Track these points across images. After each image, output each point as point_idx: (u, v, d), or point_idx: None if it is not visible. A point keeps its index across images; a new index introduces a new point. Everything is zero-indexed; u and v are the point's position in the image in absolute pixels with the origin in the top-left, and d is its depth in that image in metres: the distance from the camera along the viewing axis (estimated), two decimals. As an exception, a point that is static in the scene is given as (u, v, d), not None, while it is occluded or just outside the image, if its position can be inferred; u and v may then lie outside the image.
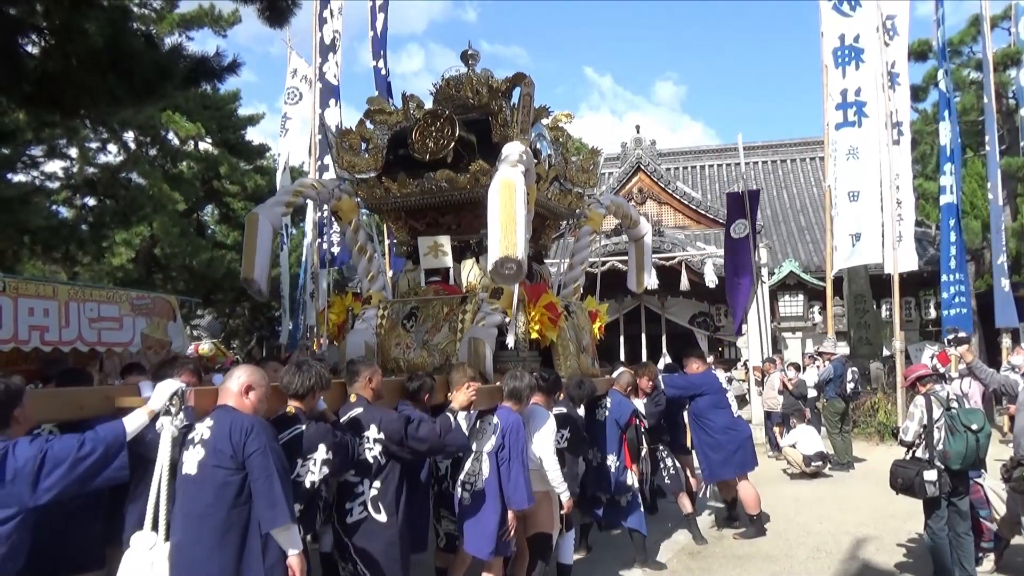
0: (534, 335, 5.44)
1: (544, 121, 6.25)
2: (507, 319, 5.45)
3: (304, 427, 3.49)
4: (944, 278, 12.52)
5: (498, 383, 4.80)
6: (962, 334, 5.94)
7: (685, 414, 7.49)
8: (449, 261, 5.84)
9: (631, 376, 6.41)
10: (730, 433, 6.98)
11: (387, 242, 10.25)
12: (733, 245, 11.40)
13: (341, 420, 3.92)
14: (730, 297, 11.48)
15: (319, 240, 13.23)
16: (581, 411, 5.70)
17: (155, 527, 3.06)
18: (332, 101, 12.91)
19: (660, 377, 6.93)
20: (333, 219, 12.54)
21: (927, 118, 19.44)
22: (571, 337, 5.99)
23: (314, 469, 3.45)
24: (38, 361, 6.47)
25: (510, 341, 5.37)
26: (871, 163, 12.97)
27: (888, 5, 13.21)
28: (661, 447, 6.93)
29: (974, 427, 4.99)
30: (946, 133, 12.51)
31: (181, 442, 3.14)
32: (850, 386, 11.02)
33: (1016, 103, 16.72)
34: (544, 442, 4.77)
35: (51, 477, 2.73)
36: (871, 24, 12.96)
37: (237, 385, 3.23)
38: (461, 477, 4.50)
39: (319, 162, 13.03)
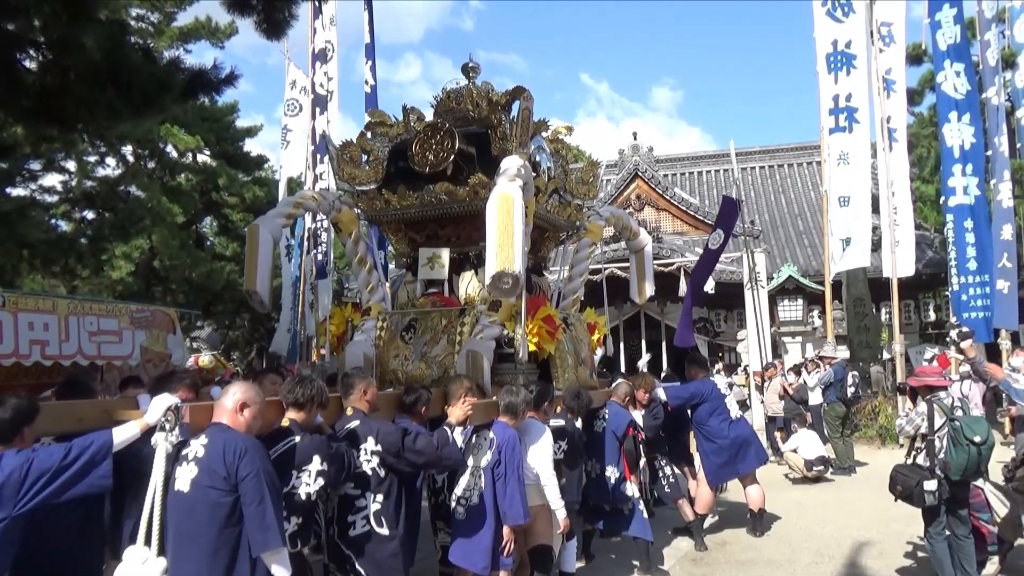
0: (532, 348, 5.44)
1: (544, 133, 6.27)
2: (506, 331, 5.46)
3: (297, 439, 3.49)
4: (961, 280, 12.41)
5: (494, 398, 4.80)
6: (965, 329, 5.93)
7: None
8: (446, 273, 5.86)
9: (629, 387, 6.43)
10: (731, 437, 7.06)
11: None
12: (705, 256, 11.35)
13: (338, 433, 3.92)
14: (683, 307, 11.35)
15: (315, 251, 13.27)
16: (579, 423, 5.69)
17: (148, 542, 3.06)
18: (318, 111, 12.97)
19: (659, 388, 6.94)
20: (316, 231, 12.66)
21: (923, 121, 19.50)
22: (569, 350, 6.00)
23: (309, 481, 3.45)
24: (64, 375, 6.46)
25: (523, 355, 5.36)
26: (862, 168, 13.00)
27: (884, 12, 13.25)
28: (659, 456, 6.94)
29: (977, 439, 4.95)
30: (953, 135, 12.45)
31: (175, 457, 3.15)
32: (850, 390, 11.03)
33: (1012, 105, 16.75)
34: (541, 457, 4.77)
35: (36, 486, 2.79)
36: (863, 30, 13.01)
37: (232, 402, 3.23)
38: (457, 492, 4.50)
39: (313, 172, 13.07)
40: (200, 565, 3.00)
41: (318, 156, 12.83)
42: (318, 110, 12.92)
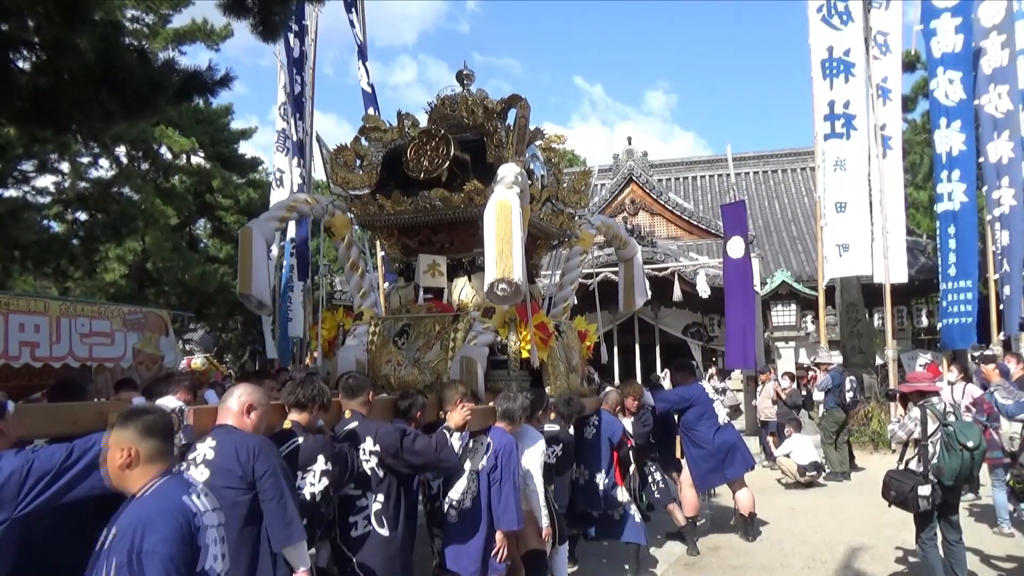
0: (525, 355, 5.44)
1: (537, 142, 6.29)
2: (499, 338, 5.46)
3: (301, 440, 3.49)
4: (944, 286, 12.48)
5: (491, 403, 4.80)
6: (988, 352, 6.05)
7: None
8: (445, 281, 5.86)
9: (619, 395, 6.46)
10: (718, 442, 7.07)
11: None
12: (733, 266, 11.22)
13: (337, 435, 3.94)
14: (730, 324, 11.15)
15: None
16: (570, 430, 5.70)
17: None
18: (296, 114, 12.94)
19: (648, 394, 6.97)
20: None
21: (916, 128, 19.60)
22: (561, 357, 6.00)
23: (314, 481, 3.47)
24: (55, 377, 6.42)
25: (534, 361, 5.37)
26: (859, 175, 13.06)
27: (880, 21, 13.34)
28: (648, 463, 6.96)
29: (970, 445, 4.99)
30: (944, 140, 12.53)
31: (180, 461, 3.13)
32: (848, 395, 11.02)
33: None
34: (532, 463, 4.78)
35: (36, 487, 2.74)
36: (861, 38, 13.08)
37: (238, 404, 3.22)
38: (452, 496, 4.50)
39: (299, 172, 13.04)
40: None
41: (302, 159, 12.80)
42: (304, 112, 12.89)
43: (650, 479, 6.94)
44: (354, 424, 3.97)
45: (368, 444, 3.90)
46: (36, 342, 6.53)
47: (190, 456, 3.13)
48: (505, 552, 4.49)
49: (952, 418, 5.24)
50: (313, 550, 3.87)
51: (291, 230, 13.10)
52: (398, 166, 5.91)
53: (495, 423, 4.65)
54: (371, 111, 12.10)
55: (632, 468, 6.65)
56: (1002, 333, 13.30)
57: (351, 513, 3.90)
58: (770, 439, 12.00)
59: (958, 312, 12.14)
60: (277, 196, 14.26)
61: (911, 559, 6.30)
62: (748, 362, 11.16)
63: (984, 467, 6.47)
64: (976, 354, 5.90)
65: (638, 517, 6.15)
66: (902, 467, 5.41)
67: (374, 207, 5.97)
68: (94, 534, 3.69)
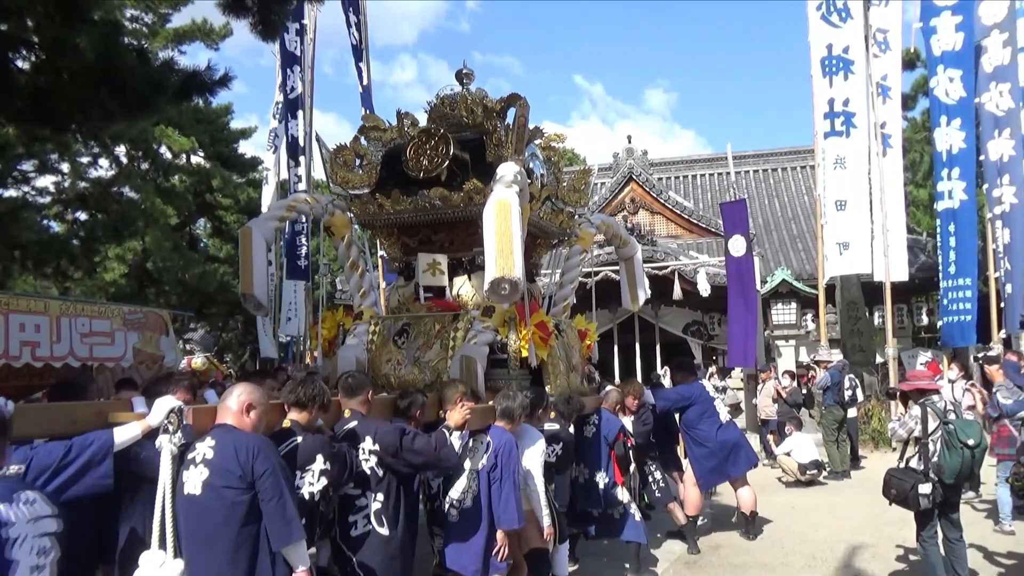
0: (524, 354, 5.44)
1: (537, 141, 6.28)
2: (499, 337, 5.46)
3: (300, 439, 3.49)
4: (944, 284, 12.49)
5: (491, 402, 4.80)
6: (991, 353, 6.06)
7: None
8: (446, 280, 5.85)
9: (619, 394, 6.46)
10: (721, 440, 7.07)
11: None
12: (734, 264, 11.11)
13: (337, 434, 3.94)
14: (731, 323, 11.03)
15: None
16: (570, 428, 5.70)
17: (163, 545, 3.05)
18: (300, 113, 12.94)
19: (648, 393, 6.97)
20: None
21: (916, 126, 19.60)
22: (561, 356, 6.00)
23: (312, 480, 3.46)
24: (56, 377, 6.42)
25: (533, 361, 5.36)
26: (859, 173, 13.05)
27: (879, 19, 13.33)
28: (649, 461, 6.96)
29: (970, 443, 5.00)
30: (944, 138, 12.52)
31: (180, 460, 3.13)
32: (848, 393, 11.02)
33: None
34: (532, 462, 4.78)
35: (35, 484, 2.75)
36: (861, 36, 13.07)
37: (237, 404, 3.22)
38: (452, 495, 4.50)
39: (292, 172, 13.05)
40: (221, 565, 2.99)
41: (303, 157, 12.81)
42: (300, 112, 12.89)
43: (650, 478, 6.95)
44: (353, 423, 3.97)
45: (367, 443, 3.90)
46: (36, 342, 6.53)
47: (189, 456, 3.13)
48: (506, 551, 4.49)
49: (953, 416, 5.24)
50: (313, 549, 3.87)
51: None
52: (398, 165, 5.90)
53: (495, 422, 4.65)
54: (365, 111, 12.09)
55: (632, 467, 6.66)
56: (1002, 331, 13.28)
57: (351, 512, 3.89)
58: (771, 437, 12.00)
59: (958, 310, 12.14)
60: (267, 193, 14.27)
61: (912, 557, 6.31)
62: (749, 360, 11.14)
63: (987, 465, 6.48)
64: (980, 355, 5.93)
65: (638, 516, 6.15)
66: (903, 465, 5.41)
67: (374, 206, 5.96)
68: (95, 532, 3.73)
